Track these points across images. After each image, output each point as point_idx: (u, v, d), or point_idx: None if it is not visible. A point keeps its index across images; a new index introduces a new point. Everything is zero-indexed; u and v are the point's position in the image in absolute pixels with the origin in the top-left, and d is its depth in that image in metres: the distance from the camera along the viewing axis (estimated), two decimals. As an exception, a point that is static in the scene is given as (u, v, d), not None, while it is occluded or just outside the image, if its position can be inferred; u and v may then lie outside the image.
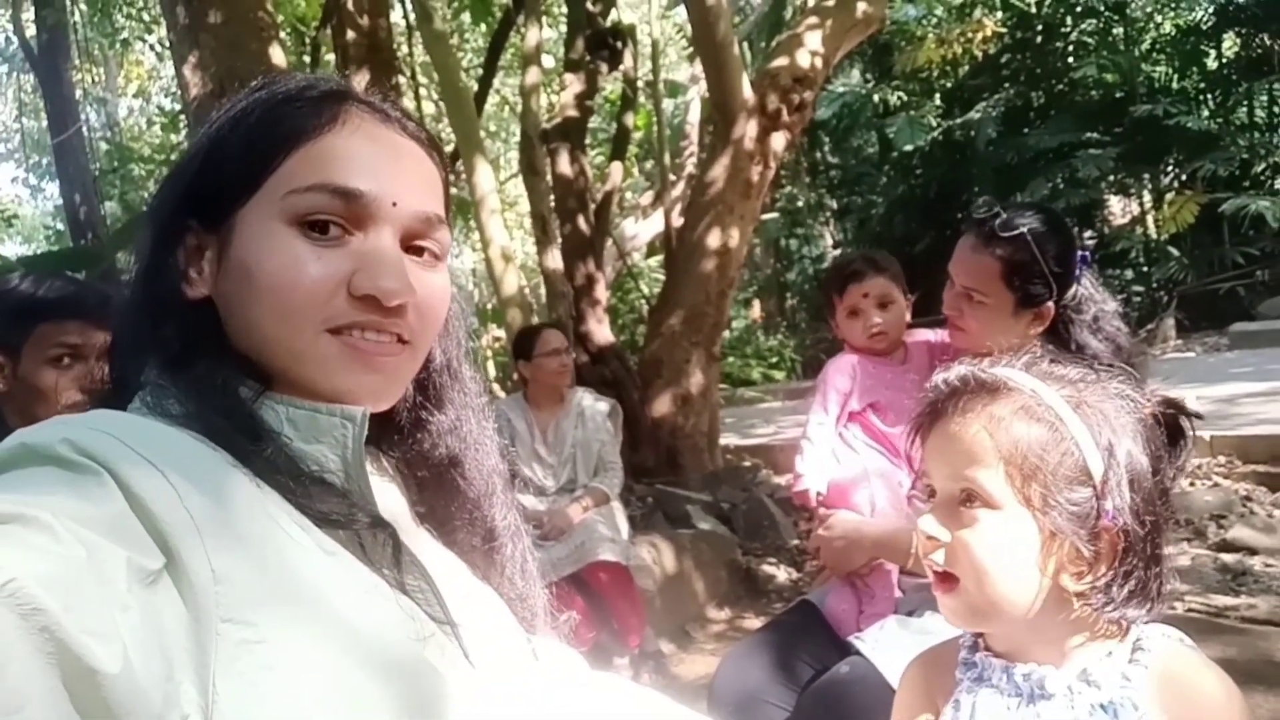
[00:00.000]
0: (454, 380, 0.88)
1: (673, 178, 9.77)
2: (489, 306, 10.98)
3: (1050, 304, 1.80)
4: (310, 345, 0.71)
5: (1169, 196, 14.54)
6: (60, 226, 14.90)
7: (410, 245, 0.76)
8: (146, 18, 12.76)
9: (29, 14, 11.61)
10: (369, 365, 0.73)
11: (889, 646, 1.76)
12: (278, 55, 4.73)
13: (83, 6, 12.24)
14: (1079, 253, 1.82)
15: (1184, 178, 14.65)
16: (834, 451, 2.10)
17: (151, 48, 14.33)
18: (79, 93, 12.63)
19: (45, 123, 13.29)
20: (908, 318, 2.17)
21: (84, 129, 12.44)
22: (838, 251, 18.55)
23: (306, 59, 8.17)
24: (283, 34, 7.50)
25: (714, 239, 5.85)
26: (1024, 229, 1.76)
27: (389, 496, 0.82)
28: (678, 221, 7.09)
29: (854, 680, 1.73)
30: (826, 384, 2.13)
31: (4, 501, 0.51)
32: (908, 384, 2.08)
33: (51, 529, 0.50)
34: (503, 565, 0.88)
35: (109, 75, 17.00)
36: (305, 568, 0.63)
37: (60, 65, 11.59)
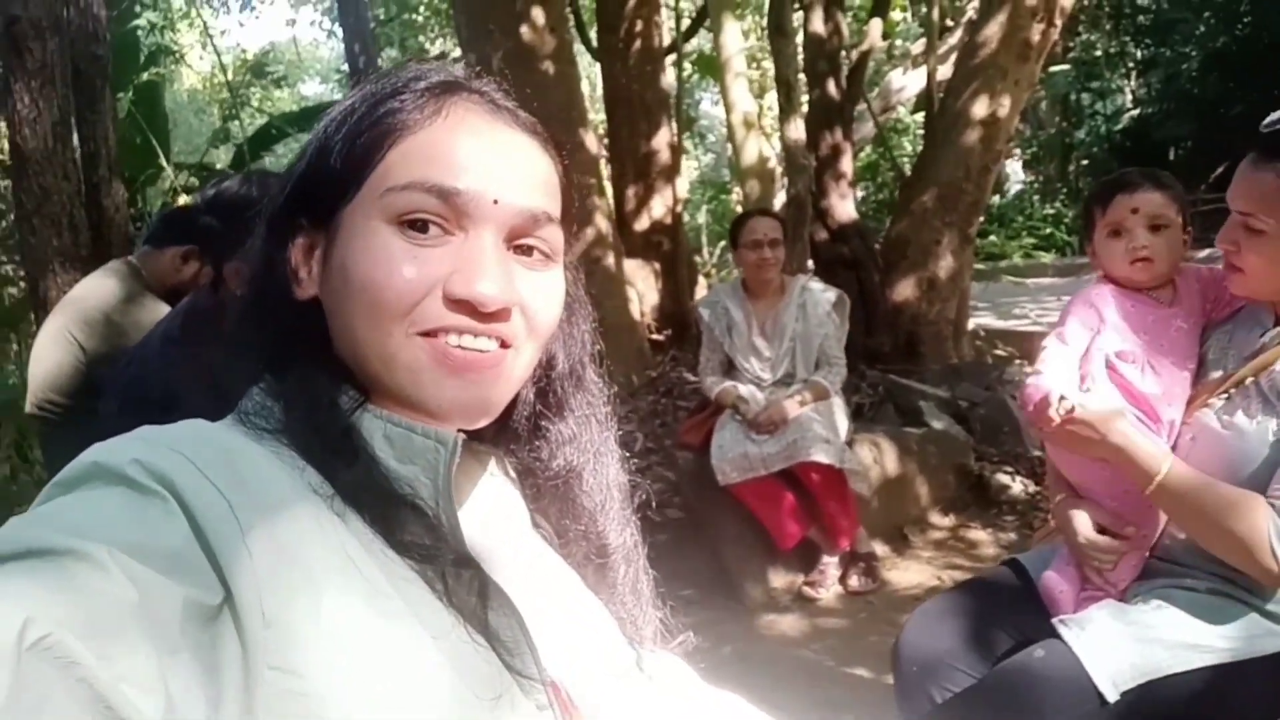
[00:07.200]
0: (577, 387, 0.85)
1: (950, 22, 8.89)
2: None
3: None
4: (400, 349, 0.67)
5: None
6: (349, 69, 15.93)
7: (519, 244, 0.71)
8: None
9: None
10: (461, 377, 0.68)
11: (1096, 636, 1.54)
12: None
13: None
14: None
15: None
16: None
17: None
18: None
19: (335, -30, 13.99)
20: (1185, 253, 1.76)
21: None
22: (1136, 111, 16.52)
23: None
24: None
25: (980, 107, 5.28)
26: None
27: (508, 499, 0.82)
28: (944, 77, 6.45)
29: (1047, 669, 1.53)
30: (1070, 315, 1.77)
31: (61, 534, 0.51)
32: (1172, 331, 1.72)
33: (104, 567, 0.49)
34: (614, 582, 0.87)
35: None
36: (368, 614, 0.60)
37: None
